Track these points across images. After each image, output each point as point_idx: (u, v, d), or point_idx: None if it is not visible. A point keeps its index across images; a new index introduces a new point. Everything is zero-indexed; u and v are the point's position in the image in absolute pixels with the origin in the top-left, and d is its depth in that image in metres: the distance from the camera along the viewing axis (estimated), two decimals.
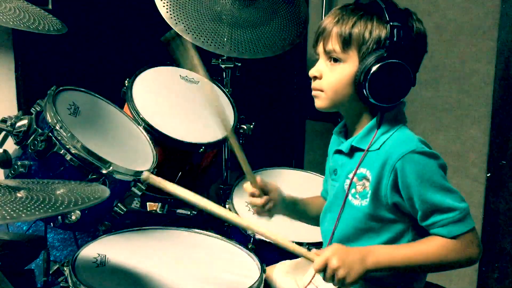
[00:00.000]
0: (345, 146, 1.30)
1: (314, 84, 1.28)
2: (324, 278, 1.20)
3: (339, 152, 1.33)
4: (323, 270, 1.19)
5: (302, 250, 1.24)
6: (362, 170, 1.25)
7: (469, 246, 1.19)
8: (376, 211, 1.24)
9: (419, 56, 1.26)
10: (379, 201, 1.23)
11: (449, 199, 1.19)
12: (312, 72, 1.28)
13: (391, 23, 1.19)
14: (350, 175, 1.27)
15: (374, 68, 1.19)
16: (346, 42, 1.22)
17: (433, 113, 2.27)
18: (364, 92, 1.21)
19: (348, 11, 1.24)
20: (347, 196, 1.28)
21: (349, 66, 1.23)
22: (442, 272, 1.25)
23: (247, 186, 1.38)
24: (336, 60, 1.25)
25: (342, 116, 1.35)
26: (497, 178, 2.19)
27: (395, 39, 1.19)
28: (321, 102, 1.28)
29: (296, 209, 1.48)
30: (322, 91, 1.27)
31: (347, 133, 1.35)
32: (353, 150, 1.29)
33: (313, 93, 1.29)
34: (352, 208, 1.28)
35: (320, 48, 1.28)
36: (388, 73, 1.19)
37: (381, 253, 1.21)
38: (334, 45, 1.24)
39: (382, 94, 1.21)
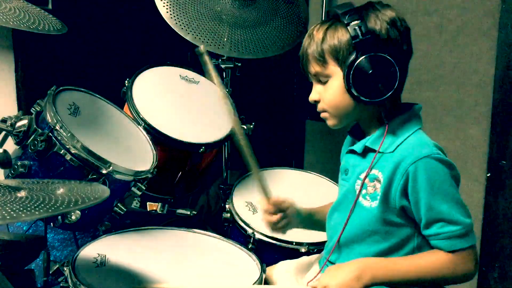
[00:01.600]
0: (358, 146, 1.31)
1: (318, 107, 1.31)
2: None
3: (352, 152, 1.34)
4: None
5: None
6: (374, 172, 1.26)
7: (467, 262, 1.20)
8: (384, 213, 1.24)
9: (397, 42, 1.24)
10: (388, 204, 1.24)
11: (456, 211, 1.18)
12: (311, 98, 1.31)
13: (351, 23, 1.20)
14: (362, 176, 1.27)
15: (352, 71, 1.20)
16: (323, 59, 1.25)
17: (433, 113, 2.27)
18: (355, 94, 1.22)
19: (316, 30, 1.27)
20: (358, 196, 1.28)
21: (337, 78, 1.25)
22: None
23: (262, 202, 1.39)
24: (325, 79, 1.27)
25: None
26: (497, 178, 2.19)
27: (360, 36, 1.20)
28: (330, 121, 1.31)
29: (313, 221, 1.49)
30: (326, 111, 1.30)
31: (360, 134, 1.36)
32: (366, 151, 1.30)
33: (321, 115, 1.32)
34: (361, 208, 1.28)
35: (308, 73, 1.31)
36: (368, 69, 1.20)
37: (378, 267, 1.21)
38: (315, 67, 1.27)
39: (370, 90, 1.21)
